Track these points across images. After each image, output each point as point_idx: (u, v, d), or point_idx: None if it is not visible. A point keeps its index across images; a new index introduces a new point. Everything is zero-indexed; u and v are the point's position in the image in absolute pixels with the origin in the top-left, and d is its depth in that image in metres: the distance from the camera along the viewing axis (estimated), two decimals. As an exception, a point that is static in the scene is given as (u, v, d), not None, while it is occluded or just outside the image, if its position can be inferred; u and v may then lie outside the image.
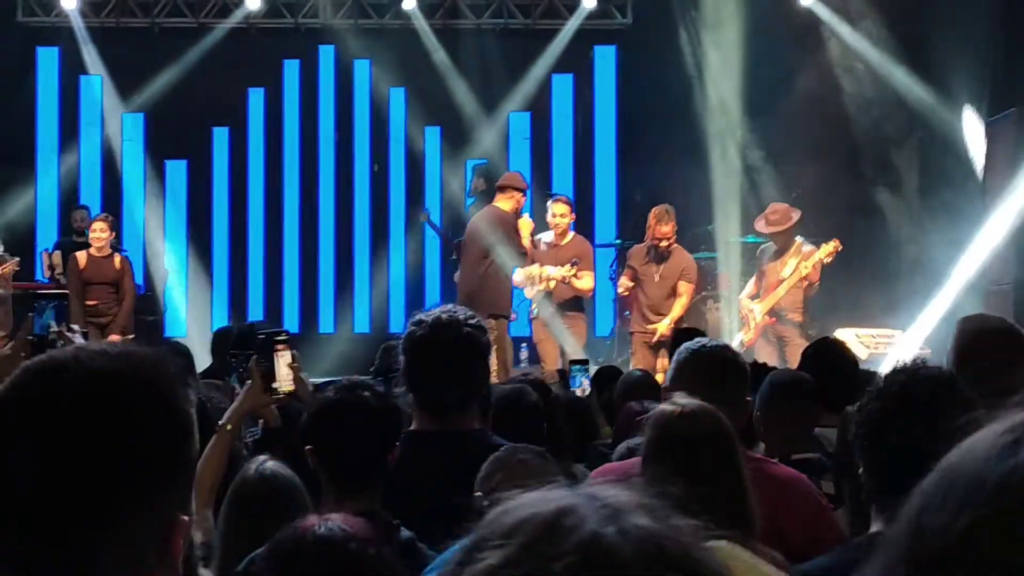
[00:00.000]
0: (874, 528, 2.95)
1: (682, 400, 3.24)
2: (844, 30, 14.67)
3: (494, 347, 10.09)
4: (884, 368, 9.63)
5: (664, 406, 3.21)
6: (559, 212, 11.44)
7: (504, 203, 10.88)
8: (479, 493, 3.00)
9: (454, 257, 14.39)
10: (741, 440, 4.10)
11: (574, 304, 11.64)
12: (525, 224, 11.04)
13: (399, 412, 3.77)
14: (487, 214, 11.04)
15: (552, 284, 11.32)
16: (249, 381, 4.26)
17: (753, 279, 12.17)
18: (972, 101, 12.38)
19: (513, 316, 11.32)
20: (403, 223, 15.96)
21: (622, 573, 1.07)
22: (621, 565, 1.07)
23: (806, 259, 11.64)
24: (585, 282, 11.53)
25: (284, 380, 4.26)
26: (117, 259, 12.58)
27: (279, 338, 4.33)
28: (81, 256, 12.43)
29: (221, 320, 15.57)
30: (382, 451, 3.56)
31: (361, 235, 16.05)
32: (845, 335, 12.15)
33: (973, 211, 12.54)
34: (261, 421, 4.62)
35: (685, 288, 11.56)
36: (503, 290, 10.69)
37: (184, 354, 7.06)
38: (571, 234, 11.71)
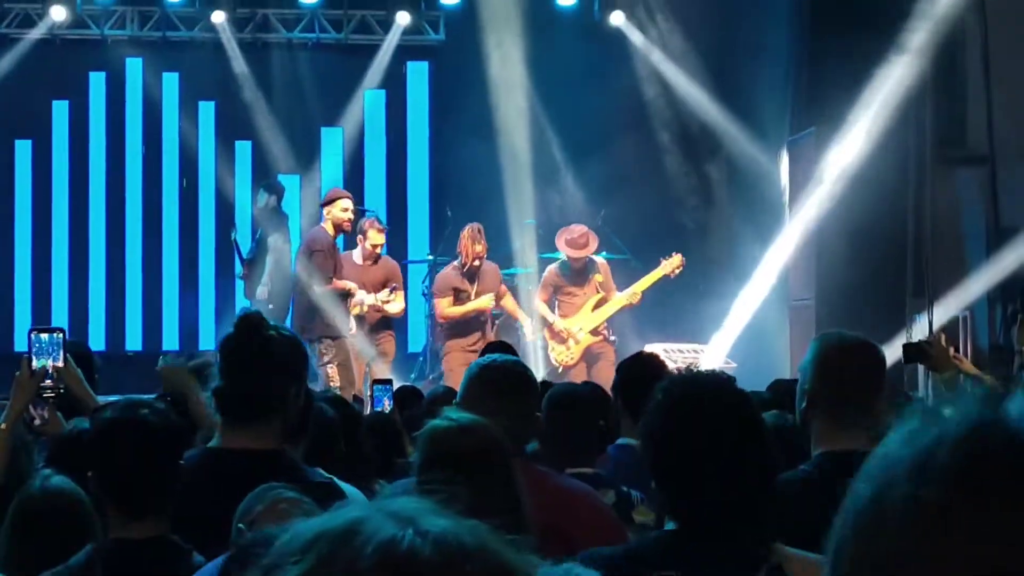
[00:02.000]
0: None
1: (454, 414, 3.23)
2: (652, 52, 14.90)
3: (335, 365, 10.07)
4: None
5: (436, 420, 3.20)
6: (376, 241, 11.41)
7: (324, 223, 10.79)
8: (240, 525, 2.93)
9: (242, 275, 14.25)
10: (534, 454, 4.12)
11: (382, 323, 11.61)
12: (376, 238, 10.93)
13: (183, 431, 3.68)
14: (304, 241, 10.96)
15: (365, 309, 11.29)
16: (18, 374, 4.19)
17: (541, 295, 12.21)
18: (776, 120, 12.66)
19: (352, 331, 11.20)
20: (213, 239, 15.72)
21: (425, 570, 1.07)
22: (423, 563, 1.07)
23: (609, 275, 11.84)
24: (395, 305, 11.58)
25: (53, 378, 4.19)
26: None
27: (38, 332, 4.25)
28: None
29: (23, 338, 15.14)
30: (165, 472, 3.46)
31: (170, 251, 15.76)
32: (653, 350, 12.33)
33: (780, 228, 12.85)
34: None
35: (509, 301, 11.75)
36: (317, 315, 10.55)
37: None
38: (380, 255, 11.70)
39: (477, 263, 11.61)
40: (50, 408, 4.28)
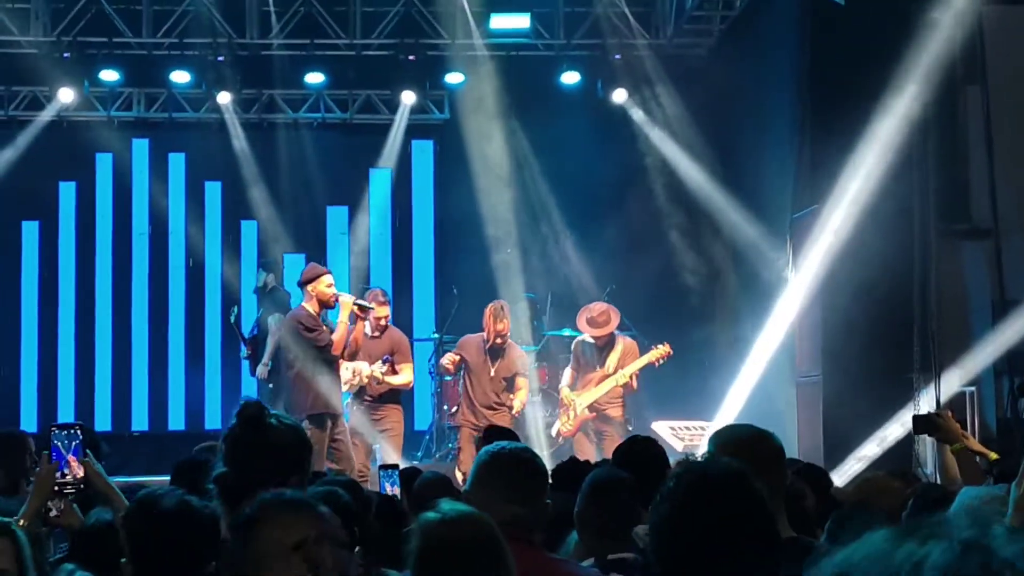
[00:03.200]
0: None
1: (446, 506, 3.23)
2: (655, 130, 15.01)
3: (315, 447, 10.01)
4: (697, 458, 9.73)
5: (428, 513, 3.20)
6: (380, 313, 11.39)
7: (306, 301, 10.71)
8: None
9: (247, 355, 14.26)
10: (544, 543, 4.10)
11: (390, 397, 11.58)
12: (345, 305, 10.83)
13: (215, 519, 3.67)
14: (287, 319, 10.94)
15: (364, 380, 11.30)
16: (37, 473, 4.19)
17: (569, 370, 12.29)
18: (779, 196, 12.70)
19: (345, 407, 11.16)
20: (219, 318, 15.75)
21: None
22: None
23: (629, 355, 11.87)
24: (403, 376, 11.55)
25: (73, 474, 4.18)
26: None
27: (58, 429, 4.26)
28: None
29: (30, 419, 15.16)
30: (201, 560, 3.45)
31: (176, 331, 15.80)
32: (660, 428, 12.35)
33: (783, 304, 12.86)
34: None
35: (523, 382, 11.77)
36: (311, 392, 10.51)
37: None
38: (388, 327, 11.69)
39: (500, 341, 11.67)
40: (66, 501, 4.27)
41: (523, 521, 3.79)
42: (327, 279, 10.61)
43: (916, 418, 7.02)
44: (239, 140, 15.47)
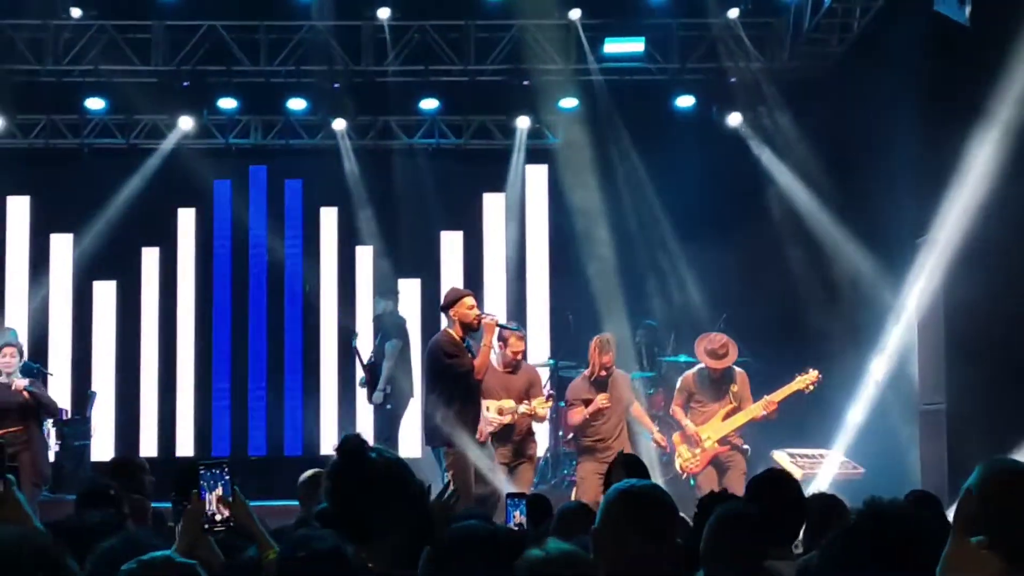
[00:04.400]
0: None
1: (551, 544, 3.18)
2: (771, 154, 14.87)
3: (450, 473, 9.98)
4: (816, 488, 9.54)
5: (533, 551, 3.15)
6: (516, 348, 11.28)
7: (449, 326, 10.63)
8: None
9: (364, 382, 14.27)
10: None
11: (529, 429, 11.49)
12: (489, 327, 10.70)
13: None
14: (430, 346, 10.85)
15: (517, 417, 11.17)
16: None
17: (676, 406, 12.05)
18: (900, 219, 12.47)
19: (482, 436, 11.03)
20: (334, 344, 15.84)
21: None
22: None
23: (745, 385, 11.72)
24: (546, 410, 11.51)
25: (218, 514, 4.18)
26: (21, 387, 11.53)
27: (205, 467, 4.26)
28: None
29: (150, 444, 15.34)
30: None
31: (293, 356, 15.92)
32: (780, 457, 12.17)
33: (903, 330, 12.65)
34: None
35: (636, 407, 11.70)
36: (449, 420, 10.43)
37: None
38: (522, 362, 11.61)
39: (604, 373, 11.52)
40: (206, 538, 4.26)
41: (656, 559, 3.71)
42: (469, 300, 10.54)
43: None
44: (354, 166, 15.57)
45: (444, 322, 10.77)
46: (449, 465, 10.11)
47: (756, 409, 11.72)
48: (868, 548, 2.82)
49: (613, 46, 14.76)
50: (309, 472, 7.59)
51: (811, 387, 11.74)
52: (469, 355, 10.39)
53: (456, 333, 10.43)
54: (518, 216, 16.05)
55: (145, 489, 7.02)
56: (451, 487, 4.76)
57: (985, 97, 10.86)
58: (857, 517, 2.94)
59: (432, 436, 10.35)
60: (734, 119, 15.20)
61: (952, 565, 2.74)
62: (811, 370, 11.79)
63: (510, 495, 6.64)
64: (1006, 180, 10.74)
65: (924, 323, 12.04)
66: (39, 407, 11.69)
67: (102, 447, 14.94)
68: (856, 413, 12.82)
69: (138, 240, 15.69)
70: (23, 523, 4.06)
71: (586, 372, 11.64)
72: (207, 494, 4.23)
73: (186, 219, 15.91)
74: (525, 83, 15.12)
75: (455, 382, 10.32)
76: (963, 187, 11.10)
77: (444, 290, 15.31)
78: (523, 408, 11.09)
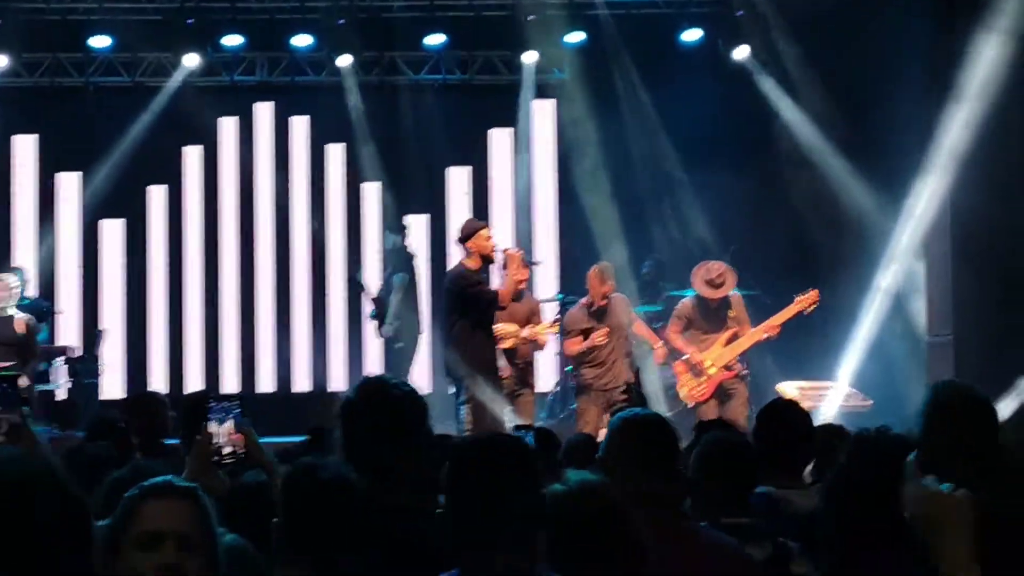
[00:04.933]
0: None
1: (572, 476, 3.22)
2: (778, 88, 14.81)
3: (470, 406, 10.09)
4: (822, 419, 9.56)
5: (556, 486, 3.19)
6: (521, 277, 11.31)
7: (466, 258, 10.68)
8: None
9: (374, 315, 14.32)
10: (675, 505, 4.04)
11: (531, 364, 11.61)
12: (513, 258, 10.88)
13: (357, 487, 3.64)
14: (448, 278, 10.87)
15: (519, 341, 11.26)
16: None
17: (674, 332, 12.04)
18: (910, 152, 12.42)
19: (505, 372, 11.13)
20: (342, 280, 15.86)
21: None
22: None
23: (741, 306, 11.73)
24: (548, 336, 11.62)
25: (227, 446, 4.23)
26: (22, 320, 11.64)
27: (213, 402, 4.31)
28: None
29: (159, 381, 15.41)
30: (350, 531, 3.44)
31: (300, 293, 15.94)
32: (787, 388, 12.19)
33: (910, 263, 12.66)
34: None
35: (641, 328, 11.88)
36: (474, 351, 10.48)
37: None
38: (525, 291, 11.67)
39: (604, 302, 11.53)
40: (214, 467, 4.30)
41: (659, 487, 3.75)
42: (486, 232, 10.62)
43: None
44: (359, 102, 15.52)
45: (461, 255, 10.80)
46: (468, 398, 10.19)
47: (758, 332, 11.73)
48: (859, 483, 2.87)
49: (619, -21, 14.72)
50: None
51: (811, 308, 11.73)
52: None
53: (474, 265, 10.49)
54: (525, 151, 16.01)
55: (167, 425, 7.05)
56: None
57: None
58: (847, 454, 2.98)
59: (453, 367, 10.41)
60: (741, 52, 15.12)
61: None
62: (810, 290, 11.78)
63: (517, 427, 6.69)
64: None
65: (932, 258, 12.04)
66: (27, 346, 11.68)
67: (112, 385, 15.02)
68: (861, 344, 12.83)
69: (144, 178, 15.67)
70: (37, 454, 4.11)
71: (584, 301, 11.68)
72: (217, 426, 4.28)
73: (192, 157, 15.88)
74: (531, 18, 15.04)
75: (479, 311, 10.38)
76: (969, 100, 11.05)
77: (452, 226, 15.43)
78: (526, 332, 11.17)
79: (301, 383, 15.78)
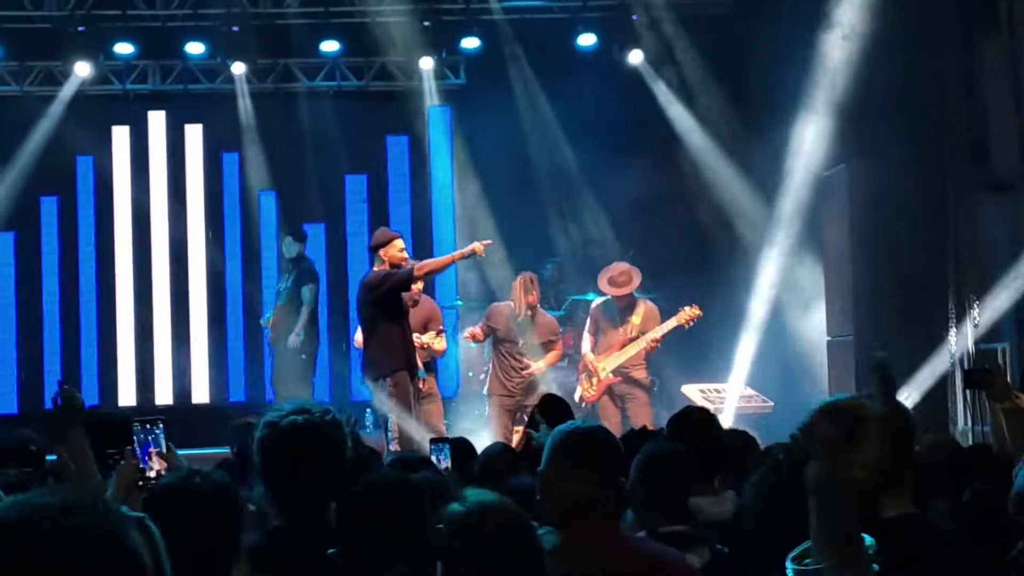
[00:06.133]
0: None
1: (474, 496, 3.22)
2: (671, 92, 14.94)
3: (393, 401, 10.09)
4: (725, 422, 9.68)
5: (453, 505, 3.20)
6: (417, 284, 11.33)
7: (377, 267, 10.68)
8: None
9: (269, 324, 14.23)
10: (616, 515, 4.06)
11: (428, 365, 11.61)
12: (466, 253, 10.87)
13: (235, 498, 3.59)
14: (362, 285, 10.86)
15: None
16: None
17: (587, 335, 12.27)
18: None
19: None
20: (240, 290, 15.69)
21: None
22: None
23: (651, 319, 11.87)
24: (441, 343, 11.64)
25: (151, 469, 4.19)
26: None
27: (140, 423, 4.26)
28: None
29: (51, 394, 15.10)
30: (220, 541, 3.40)
31: (197, 303, 15.76)
32: (690, 391, 12.33)
33: (814, 262, 12.84)
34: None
35: (559, 347, 12.07)
36: (391, 349, 10.47)
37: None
38: (421, 297, 11.68)
39: (530, 313, 11.71)
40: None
41: (599, 499, 3.76)
42: (399, 243, 10.65)
43: (968, 373, 6.99)
44: (250, 110, 15.38)
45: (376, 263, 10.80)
46: (392, 394, 10.20)
47: (641, 343, 11.92)
48: (797, 484, 2.88)
49: (515, -15, 14.76)
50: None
51: (690, 323, 11.94)
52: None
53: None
54: (423, 157, 15.97)
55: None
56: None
57: (892, 32, 11.00)
58: (784, 454, 3.00)
59: (374, 369, 10.40)
60: (635, 57, 15.22)
61: None
62: (687, 307, 11.99)
63: (433, 440, 6.68)
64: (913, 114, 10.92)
65: (831, 258, 12.21)
66: None
67: (5, 400, 14.74)
68: (758, 346, 12.97)
69: (36, 189, 15.39)
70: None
71: (511, 304, 11.81)
72: (142, 449, 4.22)
73: (85, 167, 15.63)
74: (426, 24, 15.01)
75: (391, 310, 10.40)
76: (872, 121, 11.24)
77: (350, 233, 15.39)
78: (425, 338, 11.22)
79: (199, 394, 15.59)
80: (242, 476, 5.33)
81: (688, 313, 11.97)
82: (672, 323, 11.97)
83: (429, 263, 10.72)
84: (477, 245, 10.67)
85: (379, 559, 3.29)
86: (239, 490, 3.74)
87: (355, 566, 3.31)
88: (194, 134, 15.83)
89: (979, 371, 6.41)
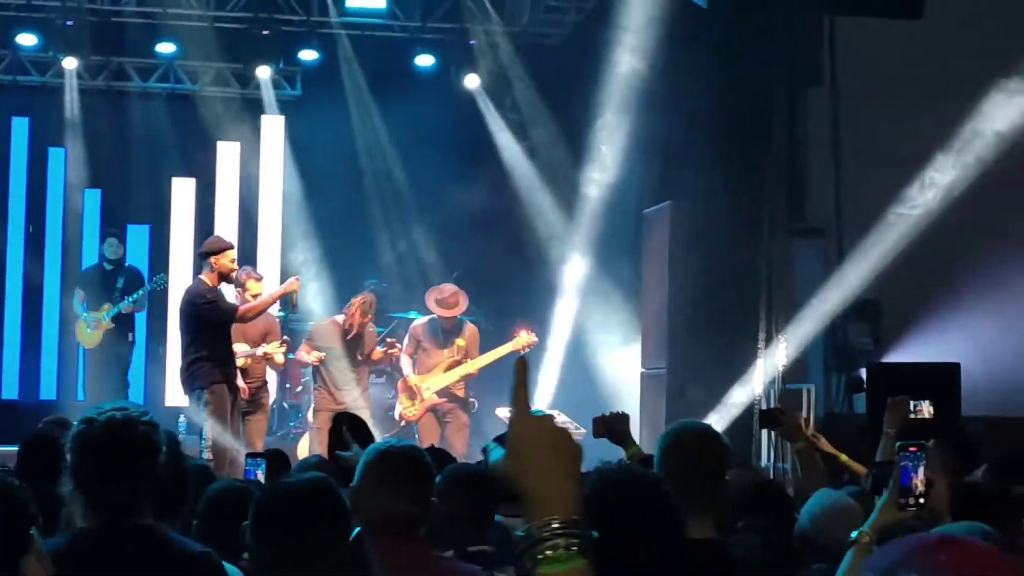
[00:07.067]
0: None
1: (291, 479, 3.46)
2: (504, 118, 15.14)
3: (209, 409, 10.04)
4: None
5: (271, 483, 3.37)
6: (255, 292, 11.31)
7: (205, 274, 10.62)
8: None
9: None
10: (429, 538, 4.16)
11: (264, 384, 11.67)
12: (288, 288, 10.85)
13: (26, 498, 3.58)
14: (187, 292, 10.78)
15: (249, 361, 11.28)
16: None
17: (405, 355, 12.33)
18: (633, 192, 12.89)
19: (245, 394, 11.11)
20: (58, 288, 15.42)
21: None
22: None
23: (473, 344, 12.03)
24: (281, 356, 11.67)
25: None
26: None
27: None
28: None
29: None
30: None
31: (13, 299, 15.45)
32: (502, 414, 12.49)
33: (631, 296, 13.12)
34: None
35: (378, 353, 12.25)
36: (210, 365, 10.43)
37: None
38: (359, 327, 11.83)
39: (360, 329, 11.86)
40: None
41: (409, 518, 3.86)
42: (232, 253, 10.61)
43: (763, 413, 7.24)
44: (76, 106, 15.14)
45: (204, 269, 10.74)
46: (209, 405, 10.18)
47: (468, 367, 12.06)
48: (608, 513, 3.03)
49: (356, 0, 14.79)
50: (49, 419, 7.44)
51: (525, 349, 12.08)
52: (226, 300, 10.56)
53: (211, 281, 10.49)
54: (253, 166, 15.89)
55: None
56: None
57: (723, 76, 11.32)
58: (593, 485, 3.15)
59: (192, 380, 10.35)
60: (472, 81, 15.39)
61: None
62: (524, 333, 12.15)
63: (249, 455, 6.69)
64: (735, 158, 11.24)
65: (648, 293, 12.48)
66: None
67: None
68: (575, 374, 13.20)
69: None
70: None
71: (339, 319, 11.88)
72: None
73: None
74: (265, 32, 14.98)
75: (214, 325, 10.37)
76: (695, 162, 11.55)
77: (175, 237, 15.25)
78: (260, 350, 11.23)
79: (9, 390, 15.30)
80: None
81: (524, 340, 12.12)
82: (508, 347, 12.09)
83: (253, 306, 10.74)
84: (292, 283, 10.76)
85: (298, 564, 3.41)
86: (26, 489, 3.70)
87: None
88: (20, 127, 15.53)
89: (774, 411, 6.63)
